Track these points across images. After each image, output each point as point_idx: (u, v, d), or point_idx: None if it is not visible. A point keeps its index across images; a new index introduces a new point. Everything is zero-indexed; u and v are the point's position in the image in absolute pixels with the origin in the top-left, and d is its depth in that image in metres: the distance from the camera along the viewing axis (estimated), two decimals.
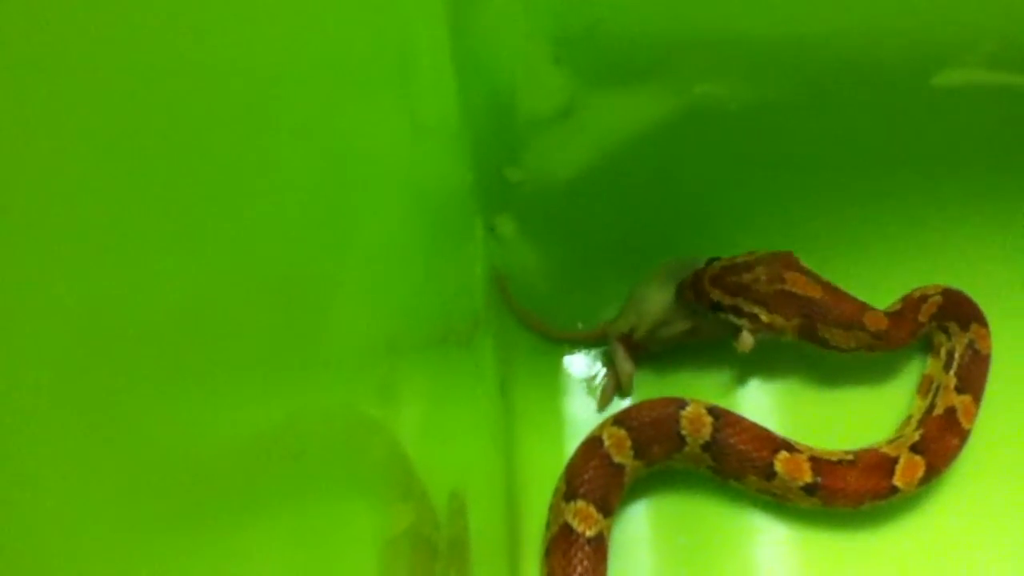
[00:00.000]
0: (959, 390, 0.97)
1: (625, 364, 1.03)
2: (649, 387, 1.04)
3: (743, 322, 0.96)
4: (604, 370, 1.07)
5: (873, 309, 0.97)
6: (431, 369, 0.95)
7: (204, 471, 0.51)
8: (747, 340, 0.97)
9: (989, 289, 1.04)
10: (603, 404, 1.05)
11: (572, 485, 0.94)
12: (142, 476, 0.45)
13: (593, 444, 0.97)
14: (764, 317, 0.96)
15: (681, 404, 0.96)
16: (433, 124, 1.02)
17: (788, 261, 0.98)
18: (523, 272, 1.13)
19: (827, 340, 0.97)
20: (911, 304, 1.00)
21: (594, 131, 1.19)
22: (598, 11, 1.19)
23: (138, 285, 0.45)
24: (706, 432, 0.94)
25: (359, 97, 0.76)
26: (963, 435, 0.95)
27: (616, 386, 1.04)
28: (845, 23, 1.14)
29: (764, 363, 1.05)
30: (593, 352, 1.08)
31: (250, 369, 0.57)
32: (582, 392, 1.07)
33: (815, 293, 0.96)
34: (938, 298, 0.99)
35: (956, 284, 1.03)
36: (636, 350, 1.03)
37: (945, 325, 1.00)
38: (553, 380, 1.08)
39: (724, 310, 0.97)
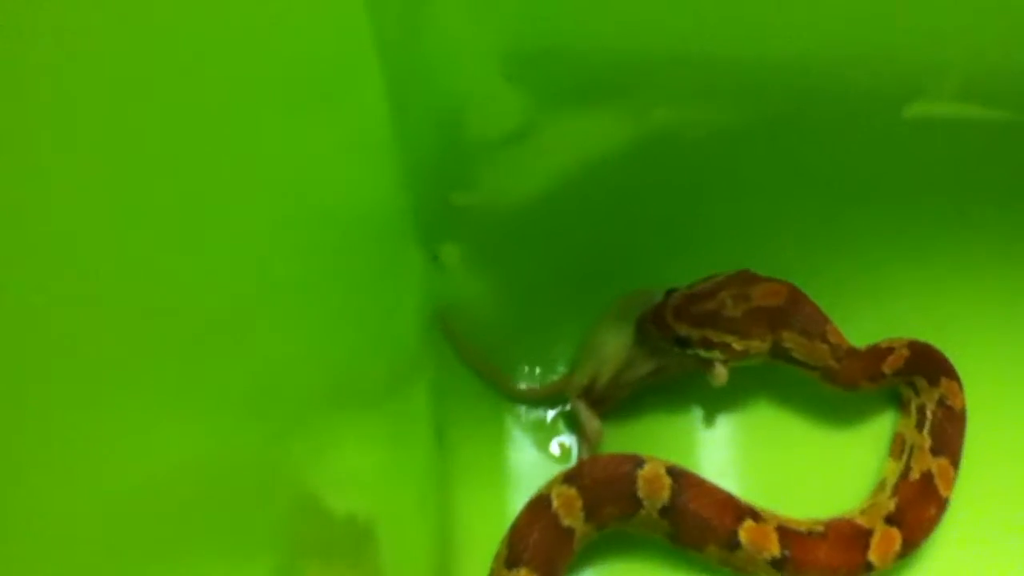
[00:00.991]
0: (935, 452, 0.90)
1: (592, 422, 0.93)
2: (613, 442, 0.96)
3: (715, 354, 0.89)
4: (567, 434, 0.98)
5: (834, 324, 0.91)
6: (355, 412, 0.88)
7: (75, 519, 0.48)
8: (721, 374, 0.90)
9: (959, 335, 0.98)
10: None
11: (515, 550, 0.86)
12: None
13: (540, 504, 0.88)
14: (737, 345, 0.89)
15: (638, 462, 0.87)
16: (363, 141, 0.95)
17: (749, 277, 0.92)
18: (468, 307, 1.05)
19: (789, 351, 0.90)
20: (876, 352, 0.94)
21: (548, 154, 1.12)
22: (553, 28, 1.13)
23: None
24: (664, 495, 0.86)
25: (276, 111, 0.70)
26: (941, 503, 0.88)
27: (590, 449, 0.95)
28: (811, 48, 1.09)
29: (730, 416, 0.98)
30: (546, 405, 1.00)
31: (140, 403, 0.53)
32: (529, 442, 0.98)
33: (780, 298, 0.90)
34: (904, 351, 0.93)
35: (924, 326, 0.98)
36: (601, 404, 0.94)
37: (912, 380, 0.93)
38: (497, 427, 0.99)
39: (692, 344, 0.89)
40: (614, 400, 0.96)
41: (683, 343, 0.90)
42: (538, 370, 1.01)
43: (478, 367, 1.00)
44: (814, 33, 1.08)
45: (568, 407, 0.97)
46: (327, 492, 0.79)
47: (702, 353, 0.90)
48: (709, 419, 0.98)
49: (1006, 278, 1.03)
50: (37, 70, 0.43)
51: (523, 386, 0.99)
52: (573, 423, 0.97)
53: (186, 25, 0.55)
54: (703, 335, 0.89)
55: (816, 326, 0.90)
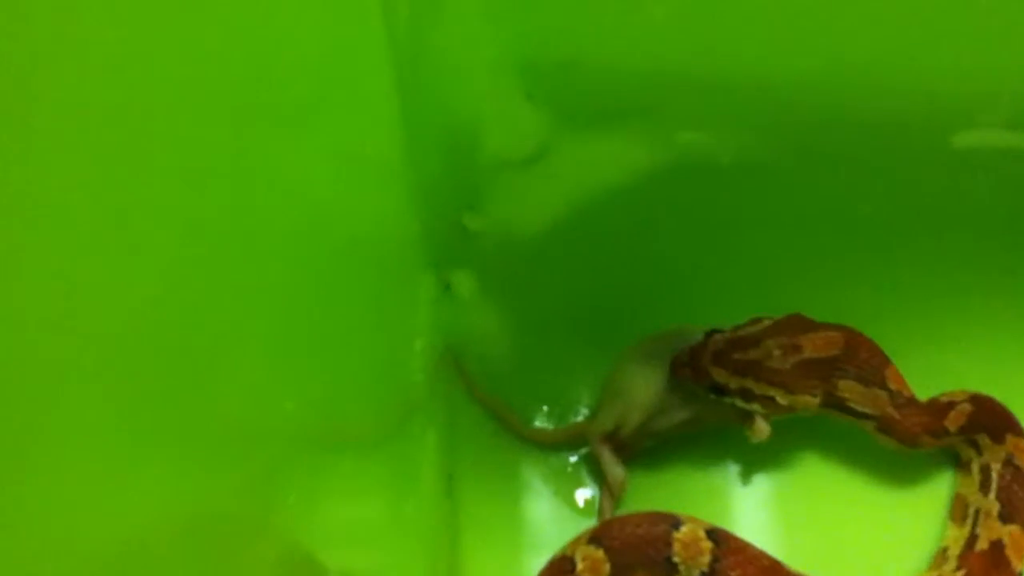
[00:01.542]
0: (1003, 518, 0.81)
1: (615, 469, 0.86)
2: (637, 492, 0.88)
3: (755, 407, 0.82)
4: (592, 485, 0.89)
5: (895, 366, 0.84)
6: (354, 457, 0.82)
7: None
8: (763, 429, 0.83)
9: (1016, 386, 0.90)
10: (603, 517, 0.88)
11: None
12: None
13: (562, 566, 0.80)
14: (782, 400, 0.82)
15: (675, 522, 0.79)
16: (372, 158, 0.90)
17: (801, 324, 0.85)
18: (481, 340, 0.99)
19: (844, 400, 0.83)
20: (937, 406, 0.86)
21: (568, 178, 1.07)
22: (574, 43, 1.08)
23: None
24: (704, 560, 0.77)
25: (279, 122, 0.67)
26: None
27: (612, 498, 0.87)
28: (849, 73, 1.05)
29: (770, 471, 0.89)
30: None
31: (107, 448, 0.49)
32: (550, 493, 0.90)
33: (837, 347, 0.83)
34: (967, 406, 0.85)
35: (976, 375, 0.90)
36: (624, 451, 0.87)
37: (974, 438, 0.85)
38: (513, 476, 0.92)
39: (730, 394, 0.82)
40: (640, 446, 0.88)
41: (720, 391, 0.83)
42: (556, 411, 0.94)
43: (491, 407, 0.93)
44: (853, 58, 1.03)
45: (588, 453, 0.89)
46: (320, 547, 0.74)
47: (740, 404, 0.83)
48: (746, 473, 0.90)
49: None
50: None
51: (540, 426, 0.92)
52: (595, 466, 0.89)
53: (197, 39, 0.53)
54: (743, 385, 0.82)
55: (875, 371, 0.83)
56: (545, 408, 0.94)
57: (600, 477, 0.88)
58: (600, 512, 0.88)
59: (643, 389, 0.85)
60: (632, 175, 1.06)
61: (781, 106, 1.06)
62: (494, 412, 0.92)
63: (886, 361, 0.83)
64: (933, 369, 0.90)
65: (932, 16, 0.99)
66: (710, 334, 0.85)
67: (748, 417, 0.83)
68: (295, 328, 0.73)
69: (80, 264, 0.45)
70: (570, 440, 0.90)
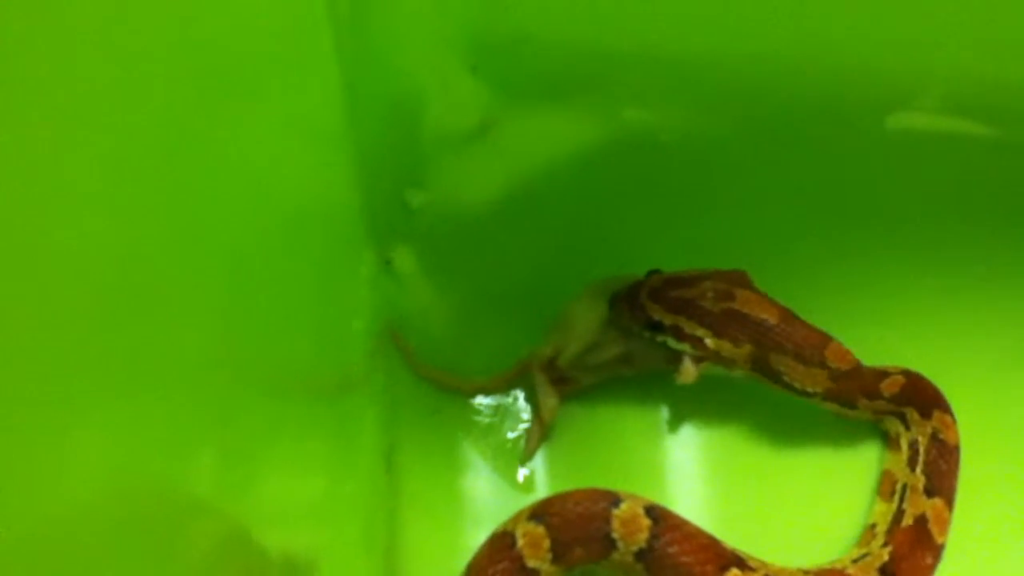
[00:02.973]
0: (929, 492, 0.84)
1: (548, 397, 0.88)
2: (571, 434, 0.89)
3: (684, 347, 0.84)
4: (527, 415, 0.91)
5: (837, 342, 0.85)
6: (291, 433, 0.81)
7: None
8: (689, 371, 0.84)
9: (945, 362, 0.92)
10: (529, 452, 0.90)
11: None
12: None
13: (502, 542, 0.79)
14: (710, 342, 0.84)
15: (614, 500, 0.79)
16: (312, 129, 0.88)
17: (740, 279, 0.87)
18: (422, 316, 0.97)
19: (781, 374, 0.84)
20: (874, 372, 0.88)
21: (512, 153, 1.06)
22: (521, 16, 1.07)
23: None
24: (642, 537, 0.78)
25: (211, 88, 0.64)
26: (937, 551, 0.81)
27: (542, 427, 0.89)
28: (791, 51, 1.05)
29: (706, 448, 0.90)
30: (505, 415, 0.92)
31: (36, 417, 0.47)
32: (490, 469, 0.90)
33: (771, 316, 0.84)
34: (900, 378, 0.87)
35: (908, 350, 0.92)
36: (562, 384, 0.89)
37: (903, 411, 0.87)
38: (453, 451, 0.91)
39: (663, 330, 0.84)
40: (577, 384, 0.90)
41: (654, 327, 0.84)
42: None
43: (433, 378, 0.93)
44: (794, 35, 1.04)
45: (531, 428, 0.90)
46: (259, 524, 0.72)
47: (671, 343, 0.84)
48: (685, 450, 0.91)
49: (990, 301, 0.98)
50: None
51: (483, 377, 0.92)
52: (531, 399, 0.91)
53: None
54: (676, 322, 0.84)
55: (814, 349, 0.84)
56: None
57: (533, 405, 0.90)
58: (528, 438, 0.90)
59: (582, 320, 0.87)
60: (577, 151, 1.06)
61: (725, 84, 1.06)
62: (437, 383, 0.92)
63: (826, 340, 0.85)
64: (869, 345, 0.90)
65: None
66: (651, 273, 0.87)
67: (677, 359, 0.85)
68: (232, 302, 0.71)
69: (19, 231, 0.44)
70: (514, 378, 0.91)
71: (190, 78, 0.61)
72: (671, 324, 0.84)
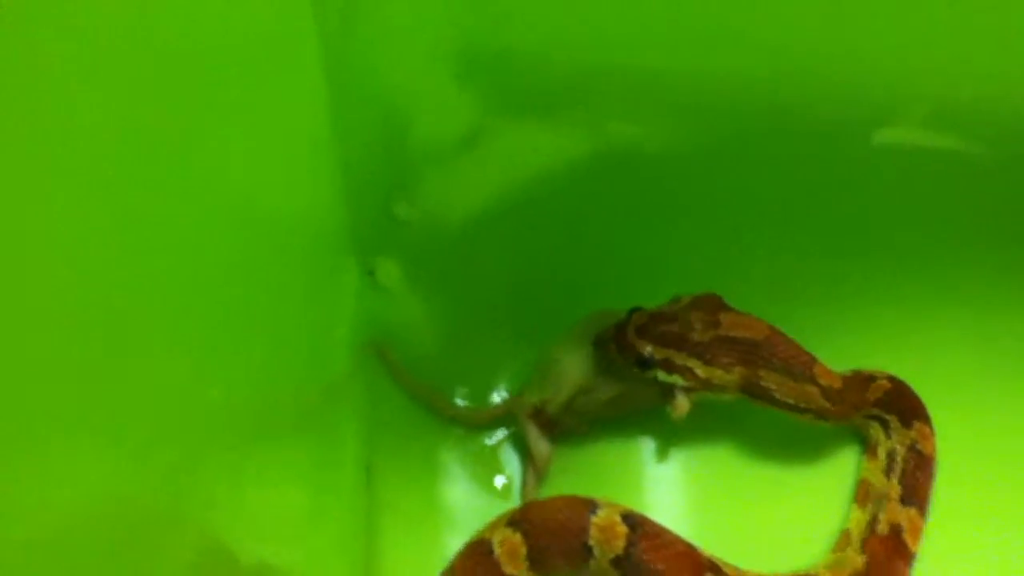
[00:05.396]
0: (904, 501, 0.84)
1: (540, 445, 0.87)
2: (562, 472, 0.89)
3: (675, 378, 0.84)
4: (510, 470, 0.90)
5: (822, 363, 0.86)
6: (272, 444, 0.81)
7: None
8: (682, 404, 0.84)
9: (926, 371, 0.93)
10: (527, 499, 0.89)
11: None
12: None
13: (479, 549, 0.80)
14: (701, 372, 0.83)
15: (593, 507, 0.80)
16: (296, 139, 0.88)
17: (718, 303, 0.87)
18: (405, 330, 0.97)
19: (770, 392, 0.84)
20: (859, 379, 0.88)
21: (498, 166, 1.07)
22: (508, 28, 1.08)
23: None
24: (619, 544, 0.78)
25: (196, 98, 0.64)
26: (909, 559, 0.82)
27: (537, 475, 0.88)
28: (777, 67, 1.06)
29: (687, 455, 0.91)
30: (487, 432, 0.92)
31: (22, 429, 0.47)
32: (468, 477, 0.90)
33: (757, 333, 0.84)
34: (885, 383, 0.88)
35: (883, 360, 0.92)
36: (551, 428, 0.88)
37: (886, 419, 0.88)
38: (430, 462, 0.92)
39: (654, 366, 0.83)
40: (566, 427, 0.89)
41: (644, 364, 0.84)
42: (481, 400, 0.94)
43: (416, 392, 0.93)
44: (780, 51, 1.04)
45: (512, 434, 0.90)
46: (239, 535, 0.72)
47: (662, 376, 0.84)
48: (663, 458, 0.91)
49: (968, 315, 0.98)
50: None
51: (464, 404, 0.92)
52: (520, 446, 0.90)
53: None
54: (666, 356, 0.83)
55: (803, 367, 0.84)
56: (468, 394, 0.93)
57: (525, 456, 0.88)
58: (525, 488, 0.89)
59: (571, 366, 0.86)
60: (562, 164, 1.06)
61: (710, 99, 1.07)
62: (419, 397, 0.92)
63: (813, 357, 0.85)
64: (848, 357, 0.91)
65: (855, 14, 1.00)
66: (633, 311, 0.86)
67: (669, 393, 0.84)
68: (217, 314, 0.71)
69: None
70: (497, 419, 0.90)
71: (172, 88, 0.61)
72: (661, 358, 0.84)
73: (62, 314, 0.50)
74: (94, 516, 0.54)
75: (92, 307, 0.53)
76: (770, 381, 0.84)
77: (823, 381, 0.84)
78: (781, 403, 0.85)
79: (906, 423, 0.88)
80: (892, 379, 0.89)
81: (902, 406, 0.88)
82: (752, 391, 0.85)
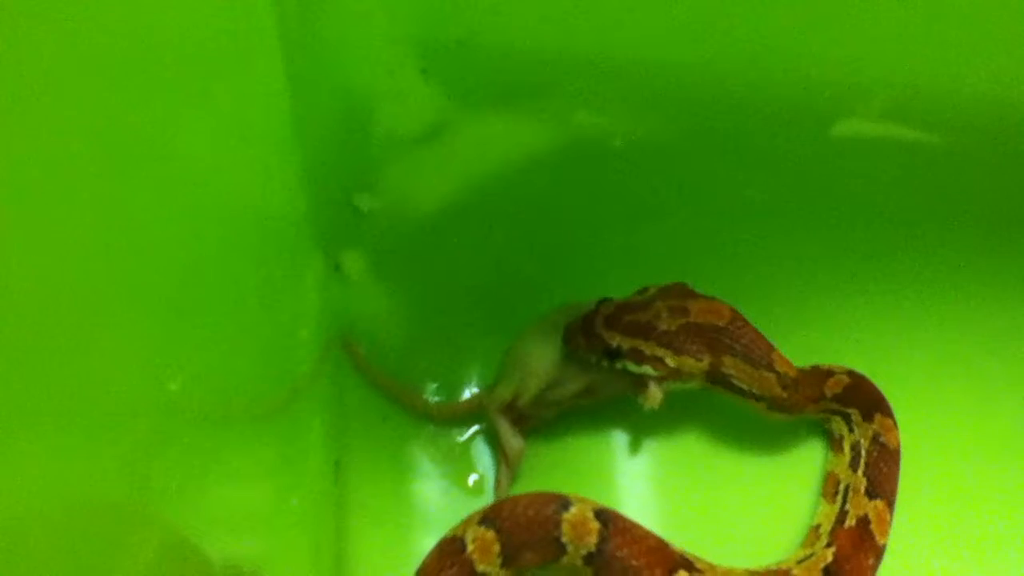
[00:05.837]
0: (870, 494, 0.85)
1: (513, 440, 0.86)
2: (532, 466, 0.88)
3: (646, 369, 0.83)
4: (481, 466, 0.89)
5: (780, 352, 0.86)
6: (237, 439, 0.80)
7: None
8: (655, 395, 0.84)
9: (888, 361, 0.94)
10: (500, 495, 0.88)
11: None
12: None
13: (452, 547, 0.79)
14: (671, 361, 0.83)
15: (565, 503, 0.79)
16: (258, 130, 0.87)
17: (685, 291, 0.86)
18: (372, 322, 0.96)
19: (731, 378, 0.84)
20: (817, 373, 0.89)
21: (463, 157, 1.05)
22: (472, 18, 1.07)
23: None
24: (591, 540, 0.78)
25: (155, 88, 0.63)
26: (878, 551, 0.83)
27: (509, 470, 0.87)
28: (737, 58, 1.06)
29: (656, 449, 0.91)
30: (458, 428, 0.90)
31: None
32: (439, 474, 0.89)
33: (721, 318, 0.84)
34: (844, 377, 0.89)
35: (848, 354, 0.93)
36: (523, 422, 0.87)
37: (847, 412, 0.89)
38: (402, 456, 0.90)
39: (623, 356, 0.83)
40: (537, 420, 0.89)
41: (613, 355, 0.83)
42: (448, 391, 0.93)
43: (385, 387, 0.91)
44: (740, 44, 1.05)
45: (483, 429, 0.89)
46: (202, 532, 0.71)
47: (632, 367, 0.83)
48: (634, 452, 0.91)
49: (930, 305, 1.00)
50: None
51: (435, 400, 0.91)
52: (492, 441, 0.89)
53: None
54: (634, 346, 0.83)
55: (762, 354, 0.85)
56: (437, 388, 0.92)
57: (497, 451, 0.88)
58: (498, 484, 0.88)
59: (540, 359, 0.86)
60: (526, 155, 1.05)
61: (672, 89, 1.07)
62: (388, 392, 0.91)
63: (771, 345, 0.86)
64: (811, 348, 0.92)
65: (813, 6, 1.01)
66: (601, 302, 0.86)
67: (640, 384, 0.84)
68: (178, 306, 0.70)
69: None
70: (467, 414, 0.89)
71: (130, 79, 0.60)
72: (629, 348, 0.83)
73: (18, 304, 0.49)
74: (55, 514, 0.53)
75: (48, 298, 0.52)
76: (730, 367, 0.84)
77: (780, 368, 0.85)
78: (738, 389, 0.85)
79: (867, 416, 0.89)
80: (851, 373, 0.90)
81: (862, 400, 0.89)
82: (713, 377, 0.85)
